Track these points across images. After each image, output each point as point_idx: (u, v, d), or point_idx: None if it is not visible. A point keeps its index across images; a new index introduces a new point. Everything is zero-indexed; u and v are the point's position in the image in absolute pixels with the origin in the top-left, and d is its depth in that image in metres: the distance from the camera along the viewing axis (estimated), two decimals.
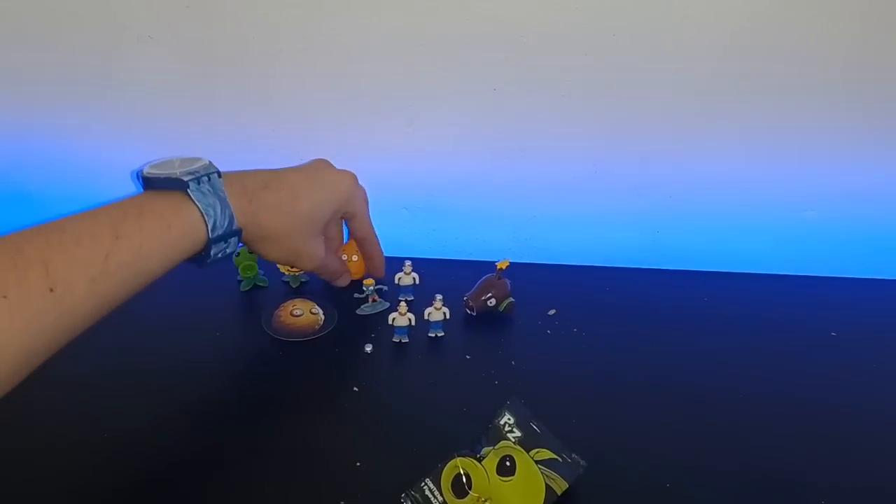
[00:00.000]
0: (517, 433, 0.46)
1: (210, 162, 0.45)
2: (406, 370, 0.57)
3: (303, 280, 0.66)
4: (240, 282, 0.65)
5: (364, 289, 0.62)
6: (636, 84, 0.62)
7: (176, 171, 0.43)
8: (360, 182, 0.56)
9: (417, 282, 0.64)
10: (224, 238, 0.44)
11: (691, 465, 0.48)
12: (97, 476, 0.46)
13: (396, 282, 0.64)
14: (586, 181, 0.69)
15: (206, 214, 0.42)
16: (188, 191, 0.42)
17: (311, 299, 0.63)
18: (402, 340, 0.59)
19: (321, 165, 0.53)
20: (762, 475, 0.48)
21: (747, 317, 0.64)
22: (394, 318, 0.58)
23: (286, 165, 0.52)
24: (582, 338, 0.60)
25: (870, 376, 0.57)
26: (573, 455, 0.45)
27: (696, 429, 0.51)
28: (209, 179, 0.43)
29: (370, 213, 0.59)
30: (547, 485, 0.44)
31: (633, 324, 0.62)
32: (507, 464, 0.44)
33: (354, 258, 0.65)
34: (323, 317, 0.61)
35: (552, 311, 0.63)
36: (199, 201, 0.42)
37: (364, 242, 0.58)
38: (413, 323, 0.59)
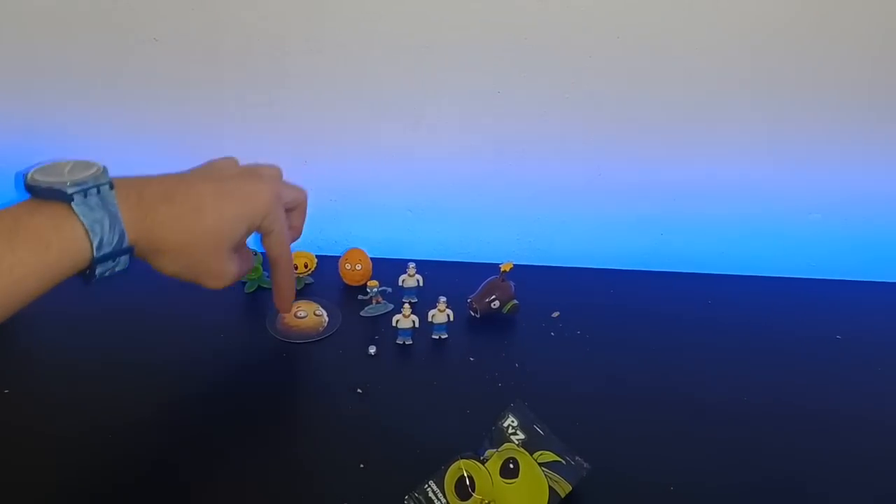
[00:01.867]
0: (521, 435, 0.46)
1: (104, 169, 0.40)
2: (410, 372, 0.57)
3: (307, 282, 0.67)
4: (244, 283, 0.65)
5: (368, 291, 0.62)
6: (640, 87, 0.62)
7: (62, 180, 0.38)
8: (280, 195, 0.48)
9: (421, 284, 0.64)
10: (112, 256, 0.39)
11: (695, 468, 0.48)
12: (100, 475, 0.46)
13: (400, 284, 0.64)
14: (590, 184, 0.69)
15: (92, 231, 0.37)
16: (72, 204, 0.37)
17: (315, 301, 0.63)
18: (406, 342, 0.59)
19: (240, 173, 0.46)
20: (766, 479, 0.48)
21: (752, 320, 0.63)
22: (397, 320, 0.58)
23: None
24: (586, 340, 0.60)
25: (875, 380, 0.57)
26: (577, 458, 0.45)
27: (701, 432, 0.51)
28: (98, 191, 0.38)
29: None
30: (550, 487, 0.43)
31: (638, 326, 0.62)
32: (511, 466, 0.44)
33: (359, 267, 0.66)
34: (327, 318, 0.61)
35: (556, 314, 0.63)
36: (84, 217, 0.37)
37: (275, 265, 0.50)
38: (417, 325, 0.59)
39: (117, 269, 0.40)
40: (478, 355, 0.58)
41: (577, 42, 0.60)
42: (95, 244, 0.38)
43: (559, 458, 0.45)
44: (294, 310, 0.62)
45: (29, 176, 0.39)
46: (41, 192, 0.38)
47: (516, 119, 0.65)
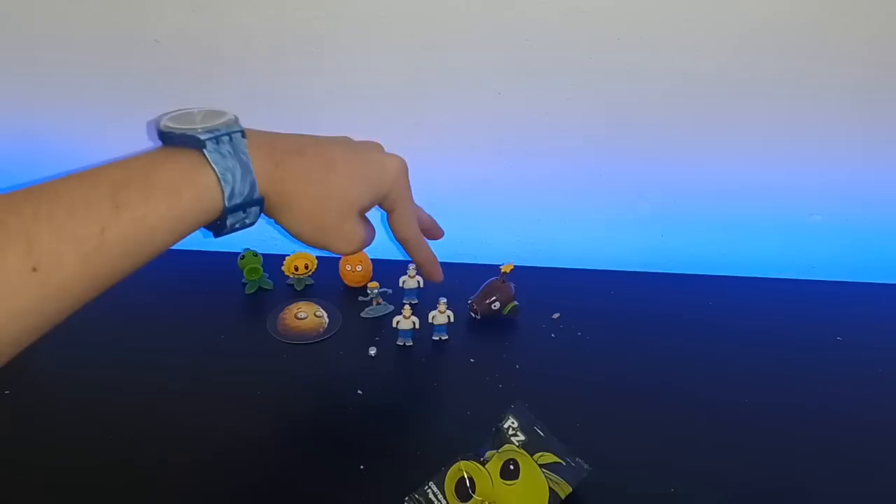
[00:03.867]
0: (521, 437, 0.46)
1: (235, 118, 0.39)
2: (410, 373, 0.57)
3: (308, 283, 0.67)
4: (244, 284, 0.65)
5: (368, 292, 0.62)
6: (640, 87, 0.62)
7: (195, 126, 0.37)
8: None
9: (422, 285, 0.64)
10: (243, 207, 0.38)
11: (696, 469, 0.48)
12: (99, 476, 0.46)
13: (401, 285, 0.64)
14: (591, 185, 0.69)
15: (224, 180, 0.36)
16: (205, 151, 0.36)
17: (315, 302, 0.63)
18: (407, 343, 0.59)
19: (370, 144, 0.45)
20: (766, 480, 0.48)
21: (752, 321, 0.63)
22: (398, 322, 0.58)
23: None
24: (586, 342, 0.60)
25: (875, 381, 0.57)
26: (577, 459, 0.45)
27: (702, 433, 0.51)
28: (230, 139, 0.37)
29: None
30: (551, 489, 0.43)
31: (638, 328, 0.62)
32: (511, 468, 0.44)
33: (359, 268, 0.66)
34: (327, 320, 0.61)
35: (556, 315, 0.63)
36: (216, 164, 0.36)
37: (407, 245, 0.48)
38: (417, 326, 0.58)
39: (248, 221, 0.39)
40: (478, 356, 0.58)
41: (578, 43, 0.60)
42: (227, 193, 0.37)
43: (559, 460, 0.45)
44: (294, 311, 0.62)
45: (162, 123, 0.38)
46: (174, 139, 0.37)
47: (517, 120, 0.65)
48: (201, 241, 0.71)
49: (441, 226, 0.71)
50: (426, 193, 0.69)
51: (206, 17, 0.60)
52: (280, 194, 0.39)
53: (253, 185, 0.38)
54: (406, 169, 0.45)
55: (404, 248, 0.48)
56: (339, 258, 0.67)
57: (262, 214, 0.40)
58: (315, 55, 0.62)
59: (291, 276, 0.66)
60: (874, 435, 0.52)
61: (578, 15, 0.59)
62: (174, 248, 0.67)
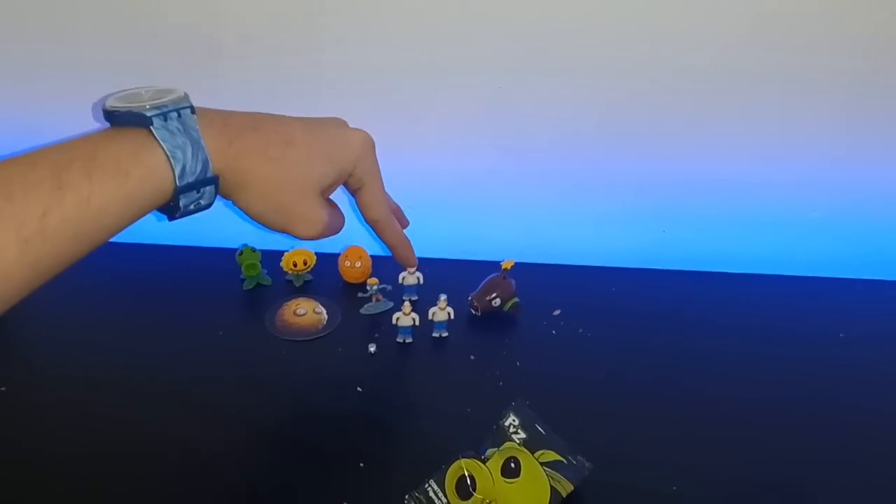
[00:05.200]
0: (522, 434, 0.46)
1: (185, 94, 0.37)
2: (410, 371, 0.57)
3: (306, 279, 0.66)
4: (243, 280, 0.65)
5: (368, 288, 0.62)
6: (642, 82, 0.62)
7: (141, 104, 0.35)
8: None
9: (422, 281, 0.64)
10: (196, 187, 0.36)
11: (698, 467, 0.48)
12: (94, 473, 0.45)
13: (400, 281, 0.64)
14: (592, 180, 0.68)
15: (173, 158, 0.34)
16: (152, 128, 0.34)
17: (314, 298, 0.63)
18: (406, 340, 0.59)
19: (332, 120, 0.43)
20: (768, 476, 0.48)
21: (754, 318, 0.63)
22: (398, 318, 0.58)
23: None
24: (587, 339, 0.60)
25: (876, 378, 0.56)
26: (578, 457, 0.45)
27: (703, 431, 0.51)
28: (179, 115, 0.35)
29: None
30: (552, 487, 0.43)
31: (639, 325, 0.62)
32: (512, 465, 0.44)
33: (359, 264, 0.65)
34: (326, 316, 0.61)
35: (557, 312, 0.63)
36: (164, 141, 0.34)
37: (378, 226, 0.45)
38: (417, 323, 0.58)
39: (202, 202, 0.37)
40: (479, 354, 0.58)
41: (579, 37, 0.60)
42: (177, 172, 0.35)
43: (561, 458, 0.45)
44: (293, 307, 0.62)
45: (107, 102, 0.36)
46: (120, 118, 0.35)
47: (517, 115, 0.65)
48: (199, 236, 0.71)
49: (441, 221, 0.71)
50: (426, 189, 0.70)
51: (204, 12, 0.60)
52: (236, 172, 0.38)
53: (206, 163, 0.36)
54: (372, 144, 0.43)
55: (374, 230, 0.46)
56: (339, 254, 0.67)
57: (220, 196, 0.38)
58: (314, 49, 0.62)
59: (290, 272, 0.66)
60: (877, 431, 0.52)
61: (579, 9, 0.59)
62: (171, 244, 0.67)
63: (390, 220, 0.46)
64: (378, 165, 0.44)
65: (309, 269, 0.66)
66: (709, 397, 0.54)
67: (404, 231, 0.48)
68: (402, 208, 0.70)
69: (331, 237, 0.45)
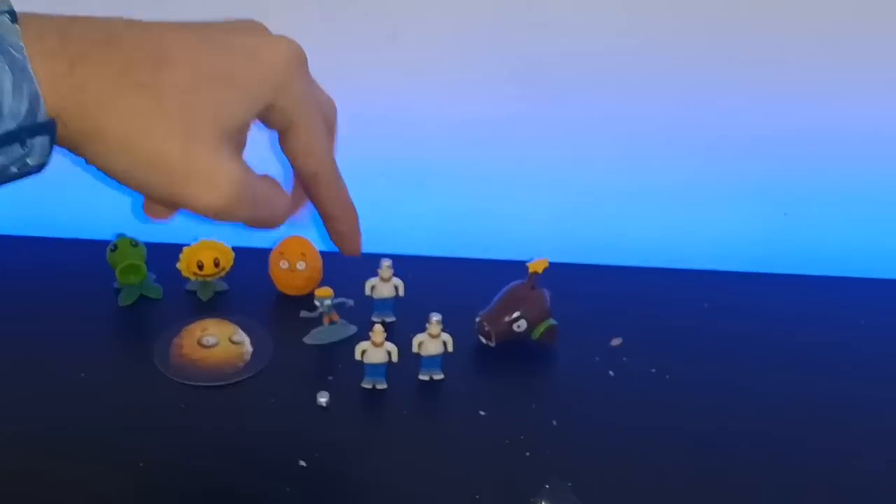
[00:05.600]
0: None
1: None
2: (383, 434, 0.56)
3: (219, 289, 0.66)
4: (117, 291, 0.65)
5: (316, 303, 0.61)
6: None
7: None
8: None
9: (401, 293, 0.64)
10: (18, 137, 0.34)
11: None
12: None
13: (369, 292, 0.63)
14: (670, 135, 0.68)
15: None
16: None
17: (231, 320, 0.63)
18: (378, 386, 0.59)
19: (237, 24, 0.41)
20: None
21: None
22: (364, 352, 0.58)
23: None
24: (666, 384, 0.60)
25: None
26: None
27: None
28: None
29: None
30: None
31: (747, 362, 0.62)
32: None
33: (301, 266, 0.65)
34: (250, 348, 0.61)
35: (617, 341, 0.63)
36: None
37: (316, 183, 0.43)
38: (395, 358, 0.58)
39: (31, 161, 0.35)
40: (492, 407, 0.58)
41: None
42: None
43: None
44: (198, 334, 0.62)
45: None
46: None
47: (552, 34, 0.65)
48: (49, 222, 0.71)
49: (431, 198, 0.71)
50: (407, 148, 0.70)
51: None
52: (82, 112, 0.36)
53: (34, 100, 0.34)
54: (302, 59, 0.41)
55: (310, 194, 0.43)
56: (271, 250, 0.66)
57: (62, 150, 0.36)
58: None
59: (193, 277, 0.66)
60: None
61: None
62: (4, 233, 0.67)
63: (335, 176, 0.44)
64: (314, 91, 0.42)
65: (223, 274, 0.66)
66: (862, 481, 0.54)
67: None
68: (370, 176, 0.70)
69: (264, 225, 0.43)
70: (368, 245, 0.68)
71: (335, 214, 0.45)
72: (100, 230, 0.69)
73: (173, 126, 0.36)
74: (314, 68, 0.64)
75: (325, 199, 0.45)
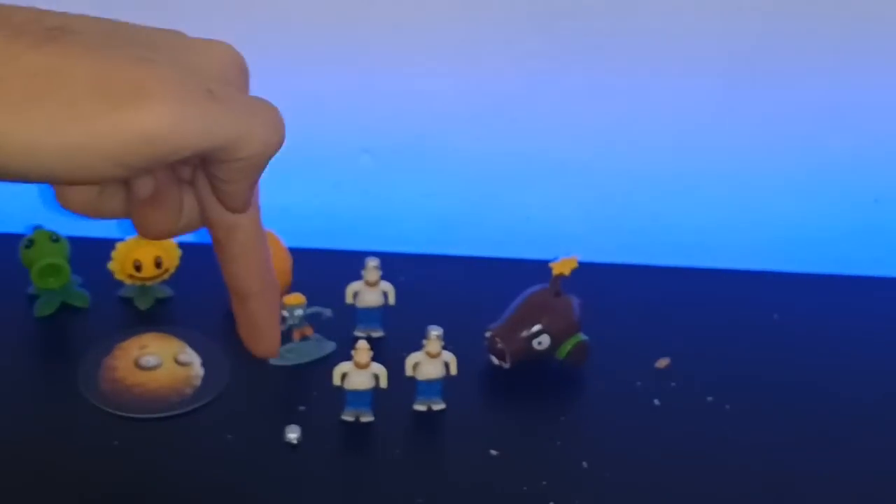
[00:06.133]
0: None
1: None
2: (370, 480, 0.56)
3: (161, 295, 0.66)
4: (34, 298, 0.65)
5: (285, 314, 0.61)
6: None
7: None
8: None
9: (392, 300, 0.64)
10: None
11: None
12: None
13: (351, 300, 0.64)
14: (729, 108, 0.69)
15: None
16: None
17: (176, 335, 0.63)
18: (362, 418, 0.59)
19: (152, 34, 0.40)
20: None
21: None
22: (344, 375, 0.58)
23: None
24: (725, 416, 0.60)
25: None
26: None
27: None
28: None
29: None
30: None
31: (829, 388, 0.63)
32: None
33: None
34: (201, 370, 0.61)
35: (664, 363, 0.64)
36: None
37: (229, 240, 0.42)
38: (383, 384, 0.58)
39: None
40: (507, 446, 0.58)
41: None
42: None
43: None
44: (135, 352, 0.62)
45: None
46: None
47: None
48: None
49: (427, 181, 0.72)
50: (398, 119, 0.70)
51: None
52: None
53: None
54: (244, 68, 0.40)
55: (221, 258, 0.42)
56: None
57: None
58: None
59: (129, 281, 0.66)
60: None
61: None
62: None
63: (256, 232, 0.42)
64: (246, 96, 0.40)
65: (166, 277, 0.66)
66: None
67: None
68: (352, 153, 0.70)
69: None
70: (350, 241, 0.69)
71: (252, 290, 0.44)
72: (10, 221, 0.69)
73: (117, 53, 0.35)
74: (297, 29, 0.64)
75: (242, 266, 0.43)
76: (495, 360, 0.62)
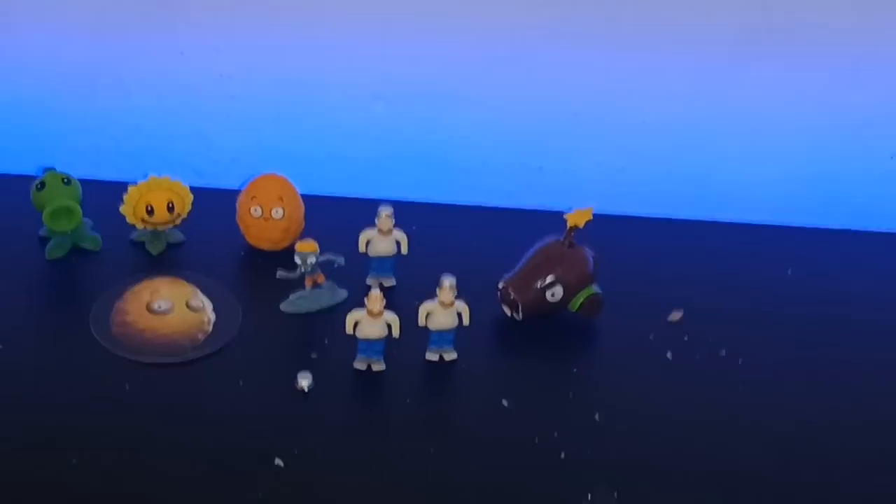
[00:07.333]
0: None
1: None
2: (380, 428, 0.57)
3: (174, 240, 0.66)
4: (45, 241, 0.65)
5: (297, 261, 0.61)
6: None
7: None
8: None
9: (405, 249, 0.64)
10: None
11: None
12: None
13: (364, 248, 0.63)
14: (739, 59, 0.69)
15: None
16: None
17: (188, 280, 0.63)
18: (374, 367, 0.59)
19: None
20: None
21: None
22: (357, 323, 0.57)
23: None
24: (737, 370, 0.60)
25: None
26: None
27: None
28: None
29: None
30: None
31: (844, 343, 0.63)
32: None
33: (278, 213, 0.65)
34: (213, 316, 0.61)
35: (677, 315, 0.64)
36: None
37: None
38: (395, 333, 0.58)
39: None
40: (519, 397, 0.58)
41: None
42: None
43: None
44: (146, 297, 0.62)
45: None
46: None
47: None
48: None
49: (440, 131, 0.72)
50: (412, 65, 0.69)
51: None
52: None
53: None
54: None
55: None
56: (240, 192, 0.66)
57: None
58: None
59: (141, 225, 0.65)
60: None
61: None
62: None
63: None
64: None
65: (178, 222, 0.66)
66: None
67: None
68: (365, 100, 0.70)
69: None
70: (363, 188, 0.69)
71: None
72: (22, 163, 0.69)
73: None
74: None
75: None
76: (508, 311, 0.62)
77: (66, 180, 0.65)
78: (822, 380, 0.61)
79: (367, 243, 0.63)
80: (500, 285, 0.63)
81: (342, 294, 0.63)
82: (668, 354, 0.61)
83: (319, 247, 0.62)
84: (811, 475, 0.56)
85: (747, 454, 0.56)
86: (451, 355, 0.60)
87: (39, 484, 0.52)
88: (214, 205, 0.68)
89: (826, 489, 0.55)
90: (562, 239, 0.62)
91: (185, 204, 0.66)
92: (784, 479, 0.55)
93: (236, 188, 0.67)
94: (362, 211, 0.64)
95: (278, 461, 0.53)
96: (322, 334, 0.61)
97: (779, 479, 0.55)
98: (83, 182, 0.66)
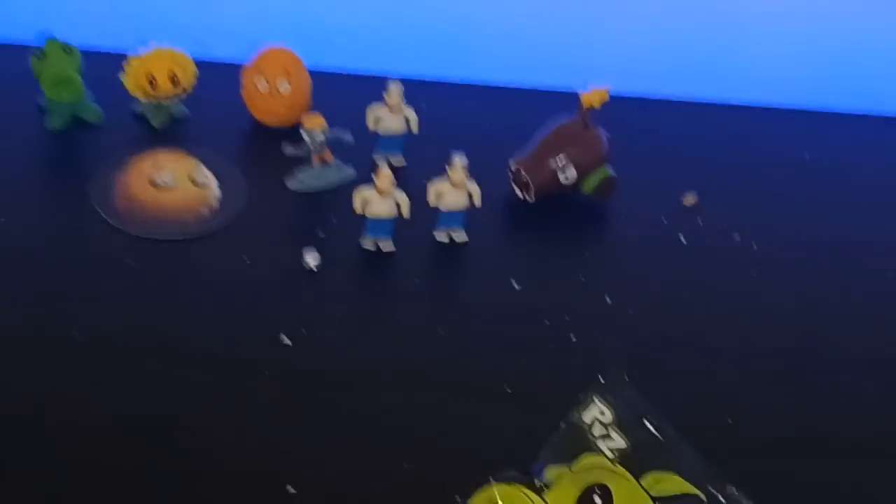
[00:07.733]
0: (618, 440, 0.47)
1: None
2: (388, 309, 0.57)
3: (177, 114, 0.66)
4: (44, 111, 0.65)
5: (304, 137, 0.61)
6: None
7: None
8: None
9: (414, 127, 0.63)
10: None
11: None
12: None
13: (372, 125, 0.63)
14: None
15: None
16: None
17: (192, 154, 0.63)
18: (382, 247, 0.59)
19: None
20: None
21: None
22: (365, 202, 0.57)
23: None
24: (751, 255, 0.60)
25: None
26: (729, 488, 0.45)
27: None
28: None
29: None
30: None
31: (860, 230, 0.63)
32: (596, 500, 0.45)
33: (285, 86, 0.65)
34: (218, 192, 0.61)
35: (691, 199, 0.63)
36: None
37: None
38: (405, 212, 0.58)
39: None
40: (529, 279, 0.58)
41: None
42: None
43: (694, 490, 0.46)
44: (148, 171, 0.61)
45: None
46: None
47: None
48: None
49: (457, 5, 0.71)
50: None
51: None
52: None
53: None
54: None
55: None
56: (244, 66, 0.66)
57: None
58: None
59: (143, 97, 0.65)
60: None
61: None
62: None
63: None
64: None
65: (182, 94, 0.66)
66: None
67: None
68: None
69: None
70: (370, 62, 0.68)
71: None
72: (21, 30, 0.68)
73: None
74: None
75: None
76: (519, 192, 0.62)
77: (66, 49, 0.64)
78: (837, 265, 0.62)
79: (377, 120, 0.63)
80: (512, 165, 0.62)
81: (350, 173, 0.63)
82: (682, 238, 0.62)
83: (327, 122, 0.61)
84: (824, 362, 0.56)
85: (759, 337, 0.57)
86: (460, 236, 0.60)
87: (41, 360, 0.52)
88: (218, 77, 0.68)
89: (837, 376, 0.56)
90: (577, 119, 0.62)
91: (188, 76, 0.66)
92: (797, 364, 0.56)
93: (241, 61, 0.68)
94: (370, 86, 0.64)
95: (285, 339, 0.54)
96: (329, 213, 0.61)
97: (793, 362, 0.55)
98: (84, 51, 0.65)
